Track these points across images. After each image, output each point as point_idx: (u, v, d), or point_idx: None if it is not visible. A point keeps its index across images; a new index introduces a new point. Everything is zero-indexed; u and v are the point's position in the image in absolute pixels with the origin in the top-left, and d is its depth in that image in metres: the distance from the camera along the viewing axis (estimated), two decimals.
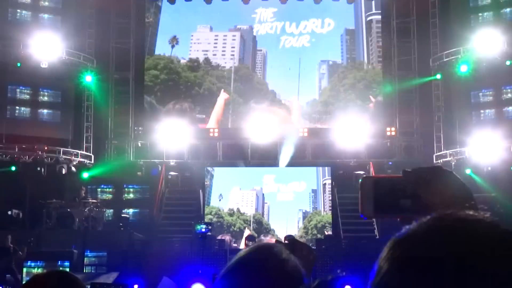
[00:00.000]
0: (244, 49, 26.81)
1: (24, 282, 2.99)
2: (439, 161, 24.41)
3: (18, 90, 24.72)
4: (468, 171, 23.05)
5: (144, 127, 26.03)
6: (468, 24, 24.67)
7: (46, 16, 25.27)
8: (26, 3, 24.95)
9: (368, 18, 26.78)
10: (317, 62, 26.59)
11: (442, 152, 24.68)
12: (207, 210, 24.47)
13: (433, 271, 1.00)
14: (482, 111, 24.64)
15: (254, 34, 26.89)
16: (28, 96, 24.85)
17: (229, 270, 2.13)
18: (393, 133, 25.65)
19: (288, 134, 24.83)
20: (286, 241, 3.02)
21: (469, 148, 23.53)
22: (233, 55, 26.83)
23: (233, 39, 26.95)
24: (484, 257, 1.00)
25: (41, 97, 25.08)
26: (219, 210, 24.66)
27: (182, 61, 26.92)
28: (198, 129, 25.63)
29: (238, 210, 24.21)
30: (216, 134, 25.61)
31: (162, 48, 26.97)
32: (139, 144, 25.91)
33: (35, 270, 18.73)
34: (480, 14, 24.81)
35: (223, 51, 26.93)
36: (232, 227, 24.28)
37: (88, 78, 25.09)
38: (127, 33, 26.50)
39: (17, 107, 24.73)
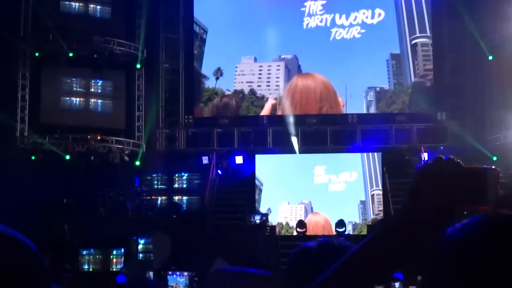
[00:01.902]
0: (289, 78, 26.63)
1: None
2: (493, 143, 24.06)
3: (70, 81, 25.13)
4: None
5: (194, 116, 26.30)
6: None
7: (96, 7, 25.59)
8: None
9: (413, 42, 26.37)
10: (368, 54, 26.22)
11: (495, 136, 24.31)
12: None
13: None
14: None
15: (304, 27, 26.68)
16: (80, 87, 25.25)
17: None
18: (444, 117, 25.36)
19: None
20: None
21: None
22: (277, 85, 26.73)
23: (278, 69, 26.86)
24: None
25: (93, 88, 25.46)
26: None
27: (227, 92, 26.91)
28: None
29: (287, 224, 24.08)
30: (265, 121, 25.76)
31: (207, 81, 27.07)
32: (190, 133, 26.14)
33: (90, 258, 19.09)
34: None
35: (268, 81, 26.88)
36: None
37: (139, 68, 25.42)
38: (177, 22, 26.73)
39: (70, 98, 25.14)
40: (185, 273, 12.61)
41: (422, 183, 1.64)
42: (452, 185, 1.60)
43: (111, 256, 19.70)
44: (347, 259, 1.64)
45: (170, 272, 12.79)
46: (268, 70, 26.97)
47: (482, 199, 1.60)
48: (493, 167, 1.66)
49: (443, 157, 1.64)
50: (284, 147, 24.92)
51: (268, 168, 24.94)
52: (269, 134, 25.60)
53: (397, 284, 11.98)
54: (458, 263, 1.23)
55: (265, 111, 26.21)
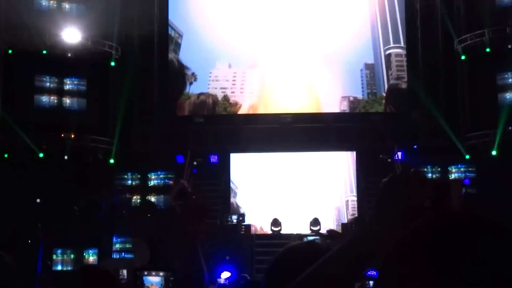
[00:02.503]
0: (264, 85, 26.62)
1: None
2: (465, 144, 24.31)
3: (44, 79, 24.94)
4: (494, 153, 23.00)
5: (168, 114, 26.22)
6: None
7: (70, 5, 25.41)
8: None
9: (387, 52, 26.52)
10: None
11: (468, 135, 24.55)
12: None
13: None
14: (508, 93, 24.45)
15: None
16: (54, 85, 25.07)
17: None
18: (417, 117, 25.57)
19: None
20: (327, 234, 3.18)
21: (494, 131, 23.40)
22: (251, 92, 26.73)
23: (252, 76, 26.85)
24: None
25: (67, 86, 25.28)
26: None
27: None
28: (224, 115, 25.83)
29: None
30: (240, 120, 25.78)
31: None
32: (164, 131, 26.05)
33: (64, 257, 19.02)
34: None
35: (242, 88, 26.81)
36: None
37: (113, 66, 25.31)
38: (151, 20, 26.63)
39: (44, 96, 24.95)
40: (161, 273, 12.58)
41: (388, 195, 1.71)
42: (417, 197, 1.67)
43: (85, 255, 19.64)
44: (314, 270, 1.69)
45: (145, 273, 12.75)
46: (243, 76, 26.90)
47: (446, 210, 1.67)
48: (456, 179, 1.75)
49: (410, 170, 1.71)
50: (260, 146, 24.94)
51: (243, 167, 25.00)
52: (244, 133, 25.59)
53: (371, 282, 12.03)
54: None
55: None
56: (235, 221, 20.75)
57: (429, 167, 24.78)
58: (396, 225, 1.64)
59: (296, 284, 1.70)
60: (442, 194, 1.69)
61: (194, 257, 2.79)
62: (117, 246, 20.39)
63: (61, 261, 18.88)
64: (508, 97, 24.22)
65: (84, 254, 19.64)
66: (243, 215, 21.91)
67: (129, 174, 25.51)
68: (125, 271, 15.87)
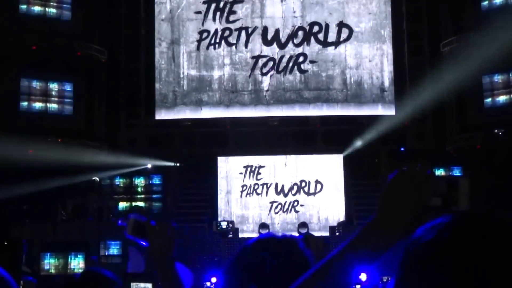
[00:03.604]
0: None
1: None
2: (451, 146, 24.42)
3: (30, 83, 24.81)
4: None
5: (156, 117, 26.16)
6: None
7: (56, 9, 25.31)
8: None
9: None
10: None
11: (454, 138, 24.66)
12: None
13: None
14: (496, 96, 24.55)
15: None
16: (40, 89, 24.95)
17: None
18: (404, 119, 25.63)
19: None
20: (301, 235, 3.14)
21: (480, 133, 23.53)
22: None
23: None
24: None
25: (53, 90, 25.17)
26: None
27: None
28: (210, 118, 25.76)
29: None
30: (227, 123, 25.75)
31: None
32: (151, 134, 26.00)
33: (51, 261, 18.91)
34: None
35: None
36: None
37: (99, 69, 25.25)
38: (137, 22, 26.59)
39: (30, 100, 24.82)
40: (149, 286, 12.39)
41: (394, 190, 1.67)
42: (423, 194, 1.65)
43: (71, 260, 19.54)
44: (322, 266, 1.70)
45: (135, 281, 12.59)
46: None
47: (454, 207, 1.64)
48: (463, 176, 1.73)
49: (416, 165, 1.68)
50: (247, 149, 24.92)
51: (230, 169, 24.99)
52: (232, 136, 25.58)
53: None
54: (427, 263, 1.27)
55: None
56: (224, 227, 20.79)
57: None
58: (401, 223, 1.63)
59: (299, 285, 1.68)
60: (450, 190, 1.68)
61: (171, 276, 2.78)
62: (104, 250, 20.29)
63: (47, 265, 18.77)
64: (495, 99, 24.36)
65: (70, 258, 19.55)
66: (232, 222, 21.91)
67: (116, 178, 25.43)
68: None
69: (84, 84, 25.60)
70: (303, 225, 21.52)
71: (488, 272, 1.19)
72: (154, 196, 25.33)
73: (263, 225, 22.05)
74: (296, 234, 21.58)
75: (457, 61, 24.76)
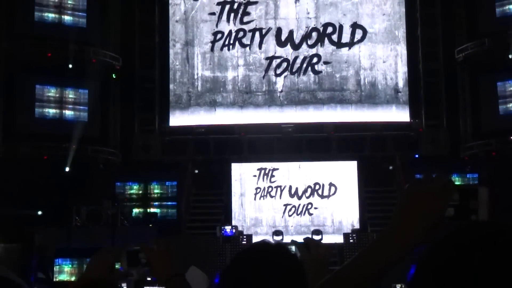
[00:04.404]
0: None
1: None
2: (466, 153, 24.31)
3: (45, 89, 24.95)
4: None
5: (170, 118, 26.23)
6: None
7: (71, 15, 25.45)
8: (51, 3, 25.14)
9: None
10: None
11: (469, 144, 24.55)
12: None
13: None
14: (510, 102, 24.43)
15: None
16: (55, 96, 25.08)
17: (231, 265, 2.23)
18: (418, 126, 25.56)
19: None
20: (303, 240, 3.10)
21: (495, 140, 23.42)
22: None
23: None
24: None
25: (68, 96, 25.29)
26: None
27: None
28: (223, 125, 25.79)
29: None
30: (241, 129, 25.73)
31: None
32: (165, 141, 26.05)
33: (65, 268, 18.95)
34: None
35: None
36: None
37: (114, 76, 25.39)
38: (152, 30, 26.69)
39: (45, 107, 24.94)
40: None
41: (409, 200, 1.66)
42: (440, 203, 1.62)
43: (86, 266, 19.57)
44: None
45: None
46: None
47: (473, 216, 1.62)
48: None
49: (432, 174, 1.66)
50: (261, 155, 24.92)
51: (244, 172, 25.03)
52: (246, 143, 25.57)
53: None
54: (446, 268, 1.26)
55: None
56: (229, 232, 20.76)
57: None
58: (417, 233, 1.61)
59: None
60: (468, 200, 1.65)
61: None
62: None
63: (61, 271, 18.80)
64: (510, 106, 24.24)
65: (85, 264, 19.58)
66: (236, 227, 21.86)
67: (130, 184, 25.51)
68: (124, 285, 15.79)
69: (99, 91, 25.71)
70: (317, 232, 21.44)
71: None
72: (168, 203, 25.38)
73: (276, 232, 22.00)
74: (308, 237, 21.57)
75: (472, 67, 24.72)
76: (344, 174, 24.69)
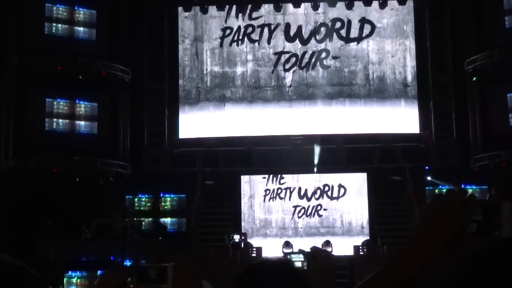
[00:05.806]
0: None
1: None
2: (476, 164, 24.23)
3: (55, 102, 25.04)
4: None
5: (179, 136, 26.28)
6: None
7: (81, 29, 25.60)
8: (61, 17, 25.28)
9: None
10: None
11: (479, 156, 24.45)
12: None
13: None
14: None
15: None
16: (65, 108, 25.17)
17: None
18: (428, 137, 25.52)
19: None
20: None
21: (505, 151, 23.34)
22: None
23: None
24: None
25: (78, 109, 25.39)
26: None
27: None
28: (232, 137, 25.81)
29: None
30: (250, 142, 25.75)
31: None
32: (174, 154, 26.08)
33: (75, 280, 18.97)
34: None
35: None
36: None
37: (123, 89, 25.50)
38: (161, 43, 26.78)
39: (55, 119, 25.04)
40: None
41: (431, 215, 1.66)
42: (461, 219, 1.63)
43: (95, 279, 19.57)
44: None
45: None
46: None
47: (496, 232, 1.61)
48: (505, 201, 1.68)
49: (455, 189, 1.67)
50: (270, 168, 24.92)
51: (253, 178, 25.08)
52: (255, 155, 25.57)
53: None
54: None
55: None
56: (237, 240, 20.68)
57: (440, 187, 24.68)
58: (437, 248, 1.62)
59: None
60: (490, 215, 1.66)
61: None
62: None
63: (72, 284, 18.82)
64: None
65: (96, 277, 19.57)
66: (245, 234, 21.82)
67: (139, 196, 25.55)
68: None
69: (109, 104, 25.80)
70: (287, 244, 21.17)
71: None
72: (178, 215, 25.39)
73: (286, 244, 21.90)
74: (319, 238, 21.58)
75: (481, 79, 24.67)
76: (353, 179, 24.74)
